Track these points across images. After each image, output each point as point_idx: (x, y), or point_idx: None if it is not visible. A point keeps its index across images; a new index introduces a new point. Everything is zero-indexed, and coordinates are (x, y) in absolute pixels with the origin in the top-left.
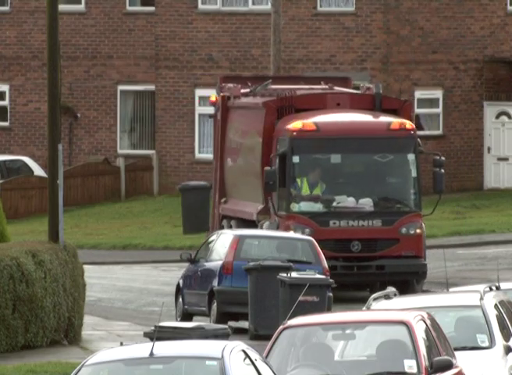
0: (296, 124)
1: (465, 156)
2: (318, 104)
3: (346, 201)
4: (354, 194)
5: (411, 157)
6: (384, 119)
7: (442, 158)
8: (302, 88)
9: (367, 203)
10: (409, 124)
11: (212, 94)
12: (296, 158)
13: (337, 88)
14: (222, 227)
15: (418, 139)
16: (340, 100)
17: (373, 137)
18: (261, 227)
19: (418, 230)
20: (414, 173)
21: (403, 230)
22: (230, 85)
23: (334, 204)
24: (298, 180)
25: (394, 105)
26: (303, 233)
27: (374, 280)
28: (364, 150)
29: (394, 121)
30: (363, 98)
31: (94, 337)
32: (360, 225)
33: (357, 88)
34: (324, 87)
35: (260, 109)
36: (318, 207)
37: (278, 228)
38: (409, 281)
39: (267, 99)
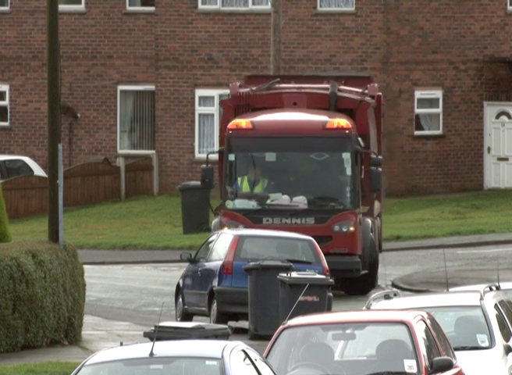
0: (233, 123)
1: (465, 156)
2: (274, 103)
3: (281, 199)
4: (289, 192)
5: (346, 156)
6: (321, 118)
7: (380, 156)
8: (304, 87)
9: (301, 201)
10: (345, 123)
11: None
12: (231, 156)
13: (343, 88)
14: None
15: (359, 138)
16: (297, 99)
17: (308, 136)
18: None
19: (352, 228)
20: (349, 172)
21: (336, 227)
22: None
23: (268, 201)
24: (234, 178)
25: (350, 105)
26: None
27: None
28: (299, 149)
29: (330, 120)
30: (319, 98)
31: (94, 337)
32: (293, 222)
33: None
34: (326, 86)
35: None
36: (252, 204)
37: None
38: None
39: (226, 98)
